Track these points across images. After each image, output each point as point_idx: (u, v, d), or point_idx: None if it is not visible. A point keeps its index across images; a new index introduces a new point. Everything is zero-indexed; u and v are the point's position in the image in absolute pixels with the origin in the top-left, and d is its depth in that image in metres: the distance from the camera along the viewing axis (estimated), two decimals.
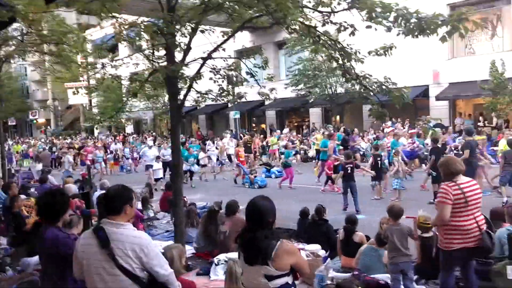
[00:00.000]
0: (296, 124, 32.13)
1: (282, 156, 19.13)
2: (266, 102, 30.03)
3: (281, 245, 2.92)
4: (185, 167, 16.17)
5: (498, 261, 4.82)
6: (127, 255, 3.05)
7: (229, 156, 20.02)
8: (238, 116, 28.48)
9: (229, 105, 29.55)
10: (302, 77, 25.05)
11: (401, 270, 4.90)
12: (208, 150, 19.38)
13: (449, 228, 4.47)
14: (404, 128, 20.37)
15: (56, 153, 25.67)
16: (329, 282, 5.24)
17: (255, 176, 15.45)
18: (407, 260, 4.97)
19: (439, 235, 4.65)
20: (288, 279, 2.98)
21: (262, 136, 27.36)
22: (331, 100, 24.94)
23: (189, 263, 6.90)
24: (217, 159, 19.73)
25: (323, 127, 23.97)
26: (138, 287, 3.11)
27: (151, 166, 16.02)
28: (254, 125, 34.67)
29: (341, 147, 17.08)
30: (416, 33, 4.75)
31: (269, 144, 22.74)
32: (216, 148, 20.26)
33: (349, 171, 10.55)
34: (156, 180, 15.46)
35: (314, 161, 20.26)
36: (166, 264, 3.26)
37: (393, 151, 11.60)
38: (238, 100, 7.19)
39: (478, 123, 20.17)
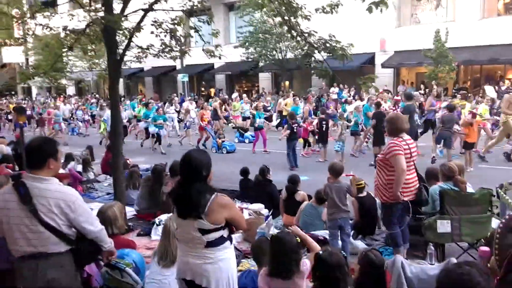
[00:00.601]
0: (246, 89, 31.91)
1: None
2: (216, 66, 29.49)
3: (216, 199, 2.85)
4: (152, 129, 15.20)
5: (429, 216, 5.05)
6: (51, 211, 2.86)
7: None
8: (186, 79, 27.80)
9: (177, 67, 28.77)
10: (253, 40, 24.65)
11: (339, 226, 5.03)
12: (167, 113, 18.31)
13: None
14: (350, 94, 20.78)
15: None
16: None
17: (223, 141, 14.73)
18: (345, 216, 5.10)
19: (382, 191, 4.78)
20: (224, 233, 2.93)
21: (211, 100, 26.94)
22: (280, 65, 24.88)
23: (130, 224, 6.73)
24: (179, 122, 19.12)
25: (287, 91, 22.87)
26: (65, 244, 2.95)
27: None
28: (203, 89, 34.09)
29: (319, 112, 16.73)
30: None
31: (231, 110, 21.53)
32: (176, 111, 19.55)
33: (295, 130, 10.93)
34: None
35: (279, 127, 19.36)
36: (96, 221, 3.11)
37: (338, 114, 11.78)
38: (181, 56, 6.89)
39: (419, 91, 20.97)
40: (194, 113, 18.35)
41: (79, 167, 10.19)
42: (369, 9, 4.85)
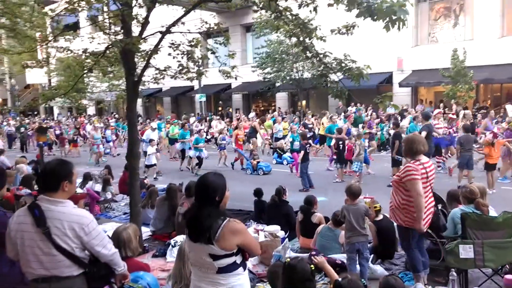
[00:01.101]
0: (262, 108, 32.05)
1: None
2: (233, 86, 29.77)
3: (227, 225, 2.77)
4: (193, 153, 14.61)
5: (451, 241, 4.89)
6: (65, 234, 2.86)
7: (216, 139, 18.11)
8: (203, 99, 28.10)
9: (195, 88, 29.14)
10: (269, 60, 24.82)
11: (357, 250, 4.90)
12: (196, 133, 17.25)
13: (411, 205, 4.52)
14: (368, 113, 20.64)
15: (22, 134, 24.50)
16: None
17: (258, 162, 13.97)
18: (364, 240, 4.96)
19: (397, 214, 4.66)
20: (236, 259, 2.85)
21: (228, 120, 27.07)
22: (297, 85, 24.93)
23: (145, 245, 6.72)
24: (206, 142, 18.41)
25: (340, 111, 21.78)
26: (78, 268, 2.93)
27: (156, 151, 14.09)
28: (220, 108, 34.36)
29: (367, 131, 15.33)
30: (367, 16, 4.73)
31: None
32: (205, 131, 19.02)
33: (307, 151, 10.94)
34: (148, 166, 13.56)
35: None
36: (109, 244, 3.08)
37: (356, 134, 11.66)
38: (198, 77, 6.95)
39: (438, 110, 20.70)
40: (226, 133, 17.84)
41: (97, 187, 10.28)
42: (386, 27, 4.80)
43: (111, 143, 21.14)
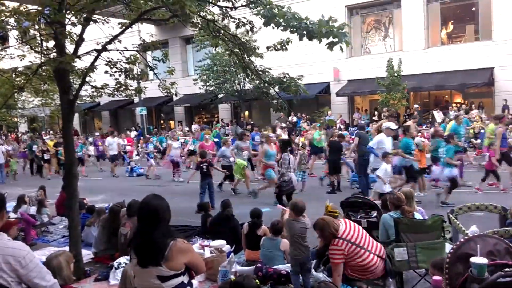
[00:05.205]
0: (205, 120, 32.01)
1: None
2: (174, 98, 29.45)
3: (175, 244, 2.81)
4: (446, 171, 9.26)
5: (386, 245, 5.17)
6: (0, 268, 2.72)
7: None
8: (144, 112, 27.56)
9: (135, 101, 28.53)
10: (211, 72, 24.88)
11: (300, 263, 5.03)
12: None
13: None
14: (307, 122, 21.29)
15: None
16: (232, 276, 5.22)
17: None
18: (306, 253, 5.08)
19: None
20: (184, 279, 2.89)
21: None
22: (239, 96, 25.17)
23: (86, 269, 6.48)
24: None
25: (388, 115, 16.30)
26: None
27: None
28: (162, 121, 33.86)
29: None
30: (306, 38, 4.96)
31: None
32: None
33: (204, 170, 10.17)
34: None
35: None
36: (48, 275, 2.97)
37: (300, 144, 11.98)
38: (137, 95, 6.87)
39: (373, 118, 21.80)
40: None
41: (32, 210, 9.74)
42: (329, 47, 5.07)
43: (152, 161, 17.20)
